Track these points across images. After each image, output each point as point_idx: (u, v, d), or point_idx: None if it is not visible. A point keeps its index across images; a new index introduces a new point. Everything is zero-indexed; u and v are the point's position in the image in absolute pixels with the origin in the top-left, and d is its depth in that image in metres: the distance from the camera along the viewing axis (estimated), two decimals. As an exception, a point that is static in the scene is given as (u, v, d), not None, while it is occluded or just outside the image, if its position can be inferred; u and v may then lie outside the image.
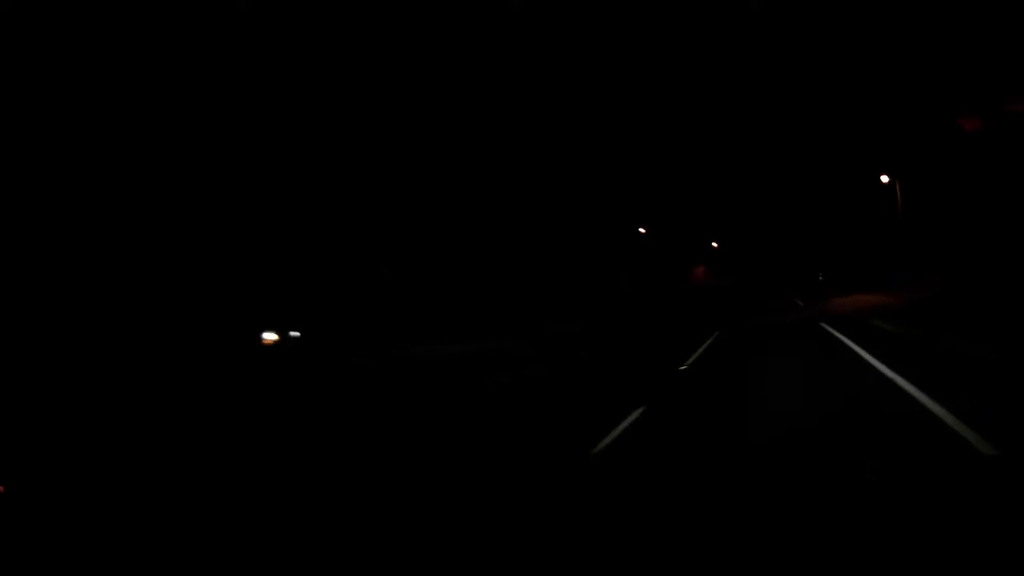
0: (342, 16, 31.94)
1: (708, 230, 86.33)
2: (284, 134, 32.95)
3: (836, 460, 5.95)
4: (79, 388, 17.90)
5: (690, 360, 15.24)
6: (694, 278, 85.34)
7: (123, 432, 11.54)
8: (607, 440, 7.86)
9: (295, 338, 34.15)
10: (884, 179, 36.16)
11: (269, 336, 33.16)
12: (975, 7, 26.94)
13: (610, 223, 55.90)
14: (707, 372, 13.34)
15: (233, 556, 4.58)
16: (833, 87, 41.01)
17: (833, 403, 9.13)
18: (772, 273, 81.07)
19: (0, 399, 14.86)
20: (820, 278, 49.67)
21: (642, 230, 63.22)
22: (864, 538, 3.33)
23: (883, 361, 11.84)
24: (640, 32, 41.00)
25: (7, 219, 23.21)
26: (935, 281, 33.40)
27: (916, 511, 3.73)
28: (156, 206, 30.43)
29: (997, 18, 26.25)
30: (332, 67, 33.22)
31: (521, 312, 37.72)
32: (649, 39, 41.87)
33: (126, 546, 5.14)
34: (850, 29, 34.25)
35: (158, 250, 30.69)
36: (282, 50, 30.94)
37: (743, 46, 41.32)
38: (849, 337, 17.11)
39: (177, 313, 30.77)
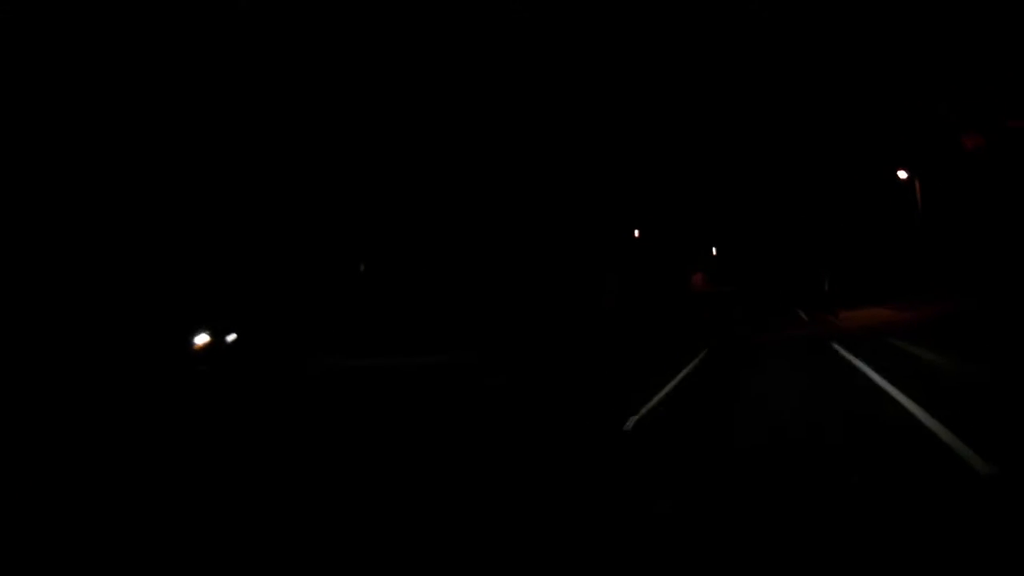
0: (341, 16, 30.88)
1: (708, 236, 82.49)
2: (273, 130, 30.79)
3: None
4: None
5: (650, 404, 10.67)
6: (693, 286, 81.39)
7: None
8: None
9: (231, 342, 29.98)
10: (902, 175, 31.77)
11: (201, 339, 29.07)
12: (975, 21, 26.42)
13: (602, 227, 51.71)
14: (666, 436, 8.48)
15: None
16: (837, 90, 39.20)
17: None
18: (773, 281, 77.52)
19: None
20: (825, 288, 45.12)
21: (636, 233, 58.92)
22: None
23: (944, 421, 7.41)
24: (640, 31, 39.17)
25: None
26: (953, 294, 29.35)
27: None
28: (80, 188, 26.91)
29: (999, 33, 25.85)
30: (330, 66, 31.72)
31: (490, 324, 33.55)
32: (649, 37, 40.04)
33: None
34: (852, 31, 32.83)
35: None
36: (282, 50, 29.81)
37: (741, 46, 39.66)
38: (873, 366, 12.73)
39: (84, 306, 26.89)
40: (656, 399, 10.98)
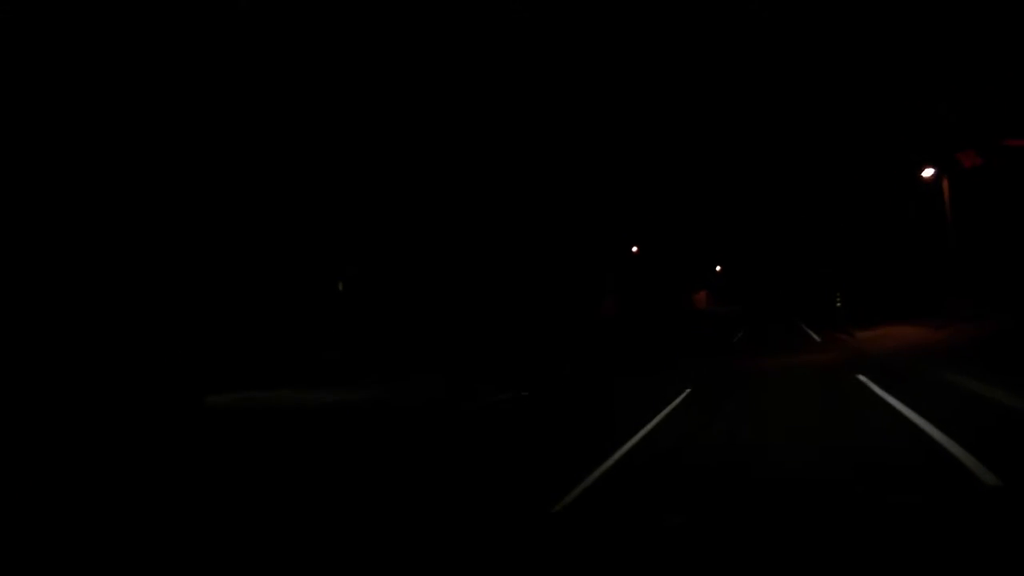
0: (337, 17, 29.32)
1: (712, 253, 77.79)
2: (264, 132, 28.31)
3: None
4: None
5: (572, 496, 5.88)
6: (695, 304, 76.64)
7: None
8: None
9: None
10: (927, 173, 26.83)
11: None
12: (972, 38, 25.25)
13: (597, 241, 47.22)
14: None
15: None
16: (845, 93, 36.08)
17: None
18: (780, 298, 73.22)
19: None
20: (837, 304, 39.92)
21: (635, 249, 54.13)
22: None
23: None
24: (643, 43, 36.89)
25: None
26: (985, 309, 24.41)
27: None
28: None
29: (995, 50, 24.71)
30: (327, 68, 29.91)
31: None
32: (651, 49, 37.58)
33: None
34: (853, 40, 30.81)
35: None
36: (281, 51, 28.21)
37: (742, 56, 37.28)
38: (939, 426, 7.81)
39: None
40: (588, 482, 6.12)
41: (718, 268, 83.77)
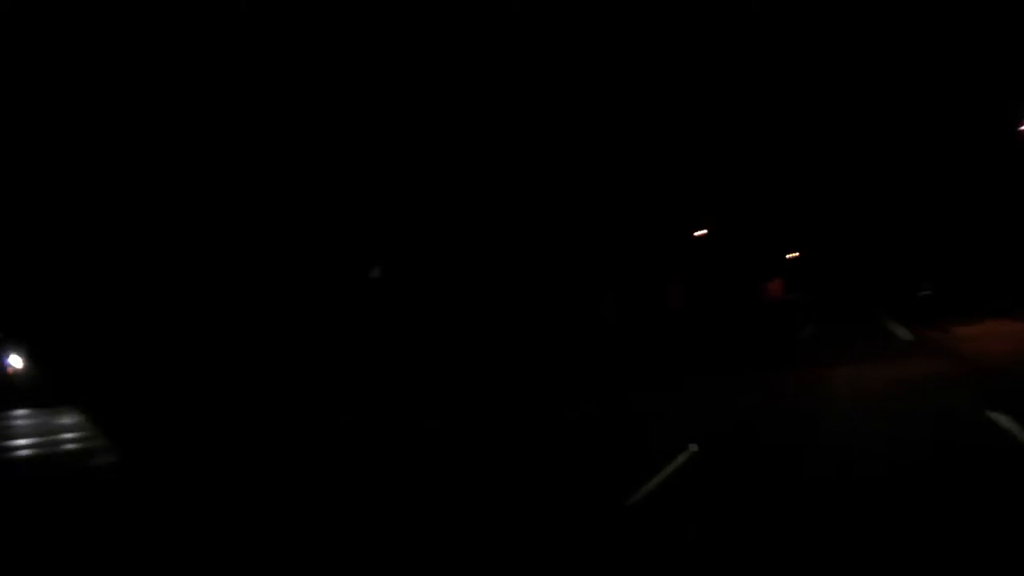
0: (340, 17, 28.19)
1: (788, 238, 71.55)
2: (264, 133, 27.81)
3: None
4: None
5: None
6: (770, 293, 70.68)
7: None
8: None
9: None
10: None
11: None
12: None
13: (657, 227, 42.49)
14: None
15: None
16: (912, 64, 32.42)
17: None
18: (858, 286, 67.12)
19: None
20: (927, 293, 33.03)
21: (701, 232, 48.75)
22: None
23: None
24: (652, 31, 32.81)
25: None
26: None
27: None
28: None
29: None
30: (330, 68, 29.14)
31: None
32: (661, 37, 33.29)
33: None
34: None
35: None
36: (281, 51, 27.74)
37: (812, 27, 32.60)
38: None
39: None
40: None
41: (794, 255, 77.25)
